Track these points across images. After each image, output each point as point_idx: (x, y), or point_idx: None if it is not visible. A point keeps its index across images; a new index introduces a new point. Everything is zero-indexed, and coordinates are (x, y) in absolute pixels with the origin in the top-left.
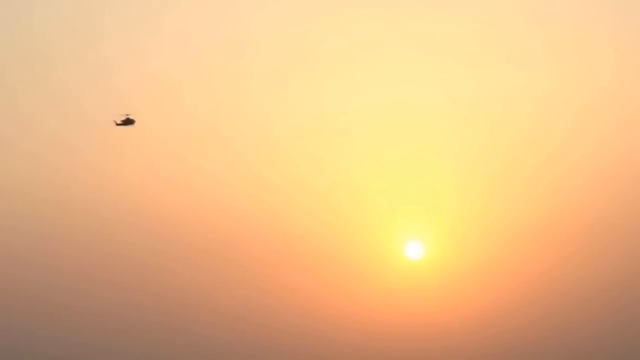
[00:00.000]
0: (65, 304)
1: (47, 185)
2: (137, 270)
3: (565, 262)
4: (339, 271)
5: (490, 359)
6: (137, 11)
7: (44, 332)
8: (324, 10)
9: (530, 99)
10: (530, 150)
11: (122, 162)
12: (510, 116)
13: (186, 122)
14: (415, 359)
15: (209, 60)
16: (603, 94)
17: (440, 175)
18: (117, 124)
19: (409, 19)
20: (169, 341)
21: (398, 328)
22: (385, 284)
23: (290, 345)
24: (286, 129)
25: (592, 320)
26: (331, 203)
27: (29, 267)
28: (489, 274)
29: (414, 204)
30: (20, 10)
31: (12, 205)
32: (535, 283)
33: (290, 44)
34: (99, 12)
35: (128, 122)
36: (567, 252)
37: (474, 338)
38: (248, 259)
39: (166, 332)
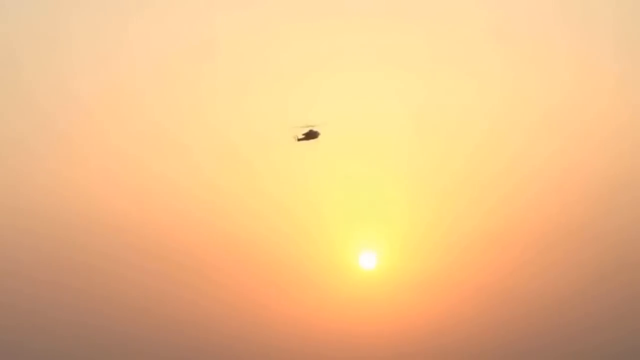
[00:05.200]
0: (21, 309)
1: (5, 191)
2: (93, 276)
3: (517, 273)
4: (292, 280)
5: None
6: (100, 16)
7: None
8: (286, 20)
9: (483, 112)
10: (483, 162)
11: (81, 168)
12: (463, 128)
13: (147, 128)
14: None
15: (172, 67)
16: (556, 108)
17: (394, 186)
18: (299, 139)
19: (370, 30)
20: (116, 345)
21: (351, 337)
22: (339, 293)
23: (242, 353)
24: (246, 138)
25: (544, 331)
26: (286, 212)
27: None
28: (442, 284)
29: (368, 214)
30: None
31: None
32: (488, 293)
33: (251, 54)
34: (62, 17)
35: (311, 135)
36: (519, 263)
37: (426, 347)
38: (202, 266)
39: (115, 336)
